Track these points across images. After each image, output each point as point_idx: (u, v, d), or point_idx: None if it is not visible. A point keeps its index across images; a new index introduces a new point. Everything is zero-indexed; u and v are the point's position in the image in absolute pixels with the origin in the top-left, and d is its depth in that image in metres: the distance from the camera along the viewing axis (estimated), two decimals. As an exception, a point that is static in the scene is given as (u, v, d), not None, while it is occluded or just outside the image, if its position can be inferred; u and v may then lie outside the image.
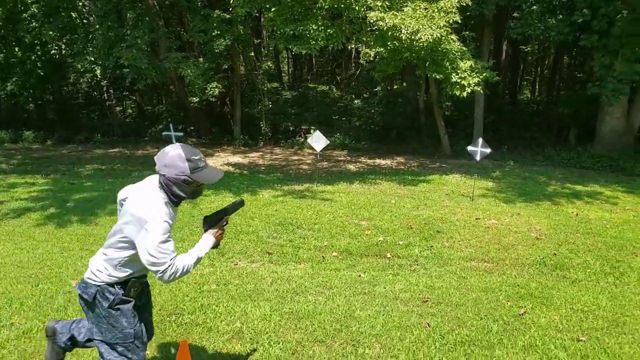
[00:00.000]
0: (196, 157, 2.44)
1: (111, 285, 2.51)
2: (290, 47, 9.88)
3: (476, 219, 8.04)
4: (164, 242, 2.35)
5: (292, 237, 6.85)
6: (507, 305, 4.54)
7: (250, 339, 3.72)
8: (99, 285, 2.50)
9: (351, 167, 13.81)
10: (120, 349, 2.53)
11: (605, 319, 4.31)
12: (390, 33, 9.64)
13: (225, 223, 2.69)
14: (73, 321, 2.92)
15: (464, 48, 11.63)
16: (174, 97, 22.28)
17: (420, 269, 5.62)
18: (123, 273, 2.51)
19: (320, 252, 6.23)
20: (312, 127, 18.13)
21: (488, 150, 9.66)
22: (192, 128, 20.41)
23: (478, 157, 9.71)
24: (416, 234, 7.07)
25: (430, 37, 9.22)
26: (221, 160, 14.61)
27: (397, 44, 10.54)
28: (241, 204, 2.82)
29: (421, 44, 10.28)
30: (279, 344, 3.61)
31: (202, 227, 2.68)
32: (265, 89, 18.22)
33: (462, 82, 11.16)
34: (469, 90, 11.21)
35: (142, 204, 2.40)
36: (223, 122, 20.08)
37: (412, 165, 14.33)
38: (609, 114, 14.42)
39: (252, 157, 15.47)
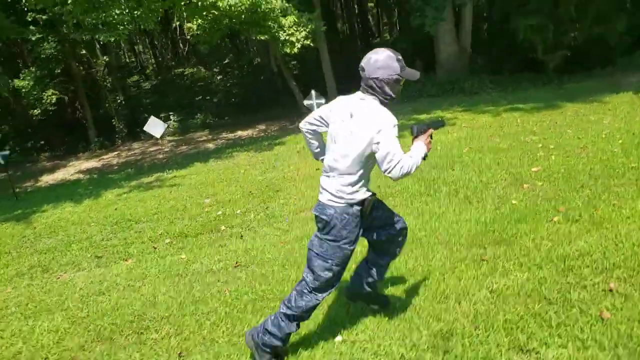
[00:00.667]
0: (400, 57, 2.57)
1: (350, 206, 2.58)
2: (97, 37, 9.09)
3: (316, 169, 8.16)
4: (395, 140, 2.44)
5: (127, 234, 6.45)
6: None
7: (30, 358, 3.41)
8: (337, 207, 2.57)
9: (210, 145, 13.45)
10: (335, 268, 2.66)
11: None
12: (200, 3, 9.26)
13: (430, 136, 2.68)
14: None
15: (286, 4, 11.53)
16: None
17: (249, 234, 5.55)
18: (360, 192, 2.60)
19: (153, 242, 5.94)
20: (171, 113, 17.39)
21: (323, 101, 9.81)
22: (43, 142, 18.60)
23: (316, 109, 9.83)
24: (256, 199, 7.01)
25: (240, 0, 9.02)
26: (73, 169, 13.51)
27: (215, 13, 10.19)
28: (442, 123, 2.92)
29: (239, 9, 10.05)
30: (55, 355, 3.35)
31: (410, 134, 2.71)
32: (108, 84, 16.94)
33: (291, 38, 11.12)
34: (299, 46, 11.21)
35: (370, 115, 2.50)
36: (78, 128, 18.49)
37: (272, 130, 14.30)
38: (441, 42, 15.33)
39: (107, 158, 14.49)
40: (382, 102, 2.58)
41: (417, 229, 4.71)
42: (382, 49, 2.60)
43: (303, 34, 11.18)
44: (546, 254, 3.71)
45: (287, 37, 11.07)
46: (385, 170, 2.43)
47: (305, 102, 9.84)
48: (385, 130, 2.45)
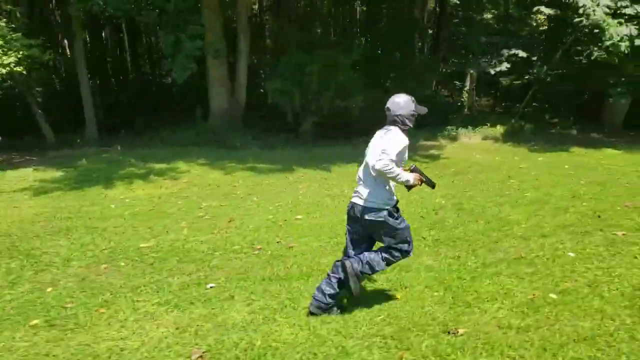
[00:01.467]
0: (414, 99, 3.51)
1: (394, 206, 3.53)
2: None
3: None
4: (395, 150, 3.28)
5: None
6: None
7: None
8: (387, 209, 3.45)
9: None
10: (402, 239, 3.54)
11: None
12: None
13: (423, 181, 3.48)
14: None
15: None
16: None
17: None
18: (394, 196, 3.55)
19: None
20: None
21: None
22: None
23: None
24: None
25: None
26: None
27: None
28: (433, 186, 3.63)
29: None
30: None
31: (410, 168, 3.49)
32: None
33: (-6, 62, 9.66)
34: (4, 72, 9.79)
35: (387, 138, 3.39)
36: None
37: (-5, 162, 12.22)
38: (215, 92, 14.93)
39: None
40: (402, 131, 3.43)
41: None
42: (402, 94, 3.53)
43: (12, 59, 9.76)
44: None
45: (-10, 59, 9.56)
46: (374, 159, 3.25)
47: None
48: (392, 141, 3.31)
